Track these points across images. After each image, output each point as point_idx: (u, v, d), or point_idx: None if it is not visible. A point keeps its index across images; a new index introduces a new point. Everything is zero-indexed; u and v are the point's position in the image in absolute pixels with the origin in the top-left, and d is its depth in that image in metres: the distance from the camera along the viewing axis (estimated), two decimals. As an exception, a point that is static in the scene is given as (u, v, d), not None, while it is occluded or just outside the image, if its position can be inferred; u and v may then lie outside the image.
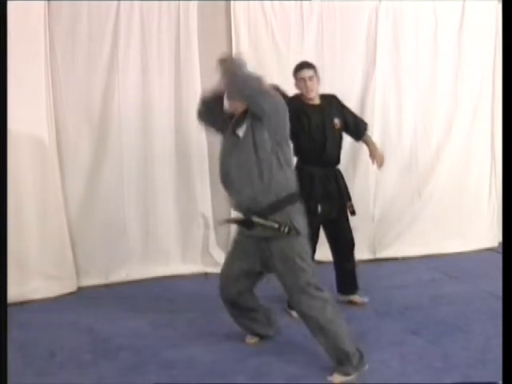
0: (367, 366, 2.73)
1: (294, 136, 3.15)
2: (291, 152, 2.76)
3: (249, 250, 2.80)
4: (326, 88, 4.68)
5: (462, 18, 4.97)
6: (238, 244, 2.91)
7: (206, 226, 4.52)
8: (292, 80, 4.60)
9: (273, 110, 2.62)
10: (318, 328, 2.71)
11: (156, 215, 4.40)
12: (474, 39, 5.00)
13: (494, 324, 3.25)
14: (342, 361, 2.69)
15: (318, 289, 2.69)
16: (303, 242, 2.72)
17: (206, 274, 4.49)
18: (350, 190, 3.71)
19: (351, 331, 2.75)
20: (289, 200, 2.68)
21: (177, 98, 4.36)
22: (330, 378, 2.70)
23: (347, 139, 4.68)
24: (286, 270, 2.71)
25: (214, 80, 4.38)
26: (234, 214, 4.58)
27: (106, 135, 4.19)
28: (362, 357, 2.73)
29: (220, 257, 4.58)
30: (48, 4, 3.88)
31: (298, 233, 2.66)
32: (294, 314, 3.28)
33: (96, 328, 3.41)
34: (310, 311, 2.70)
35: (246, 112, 2.73)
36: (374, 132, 4.82)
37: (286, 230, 2.63)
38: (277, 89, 2.87)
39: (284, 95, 2.87)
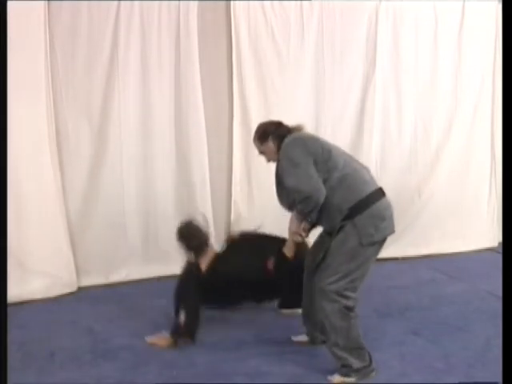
0: (374, 374, 2.71)
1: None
2: (343, 169, 2.66)
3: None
4: (325, 88, 4.72)
5: (462, 18, 4.97)
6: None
7: (206, 225, 4.52)
8: (291, 80, 4.63)
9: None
10: (323, 328, 2.72)
11: (156, 215, 4.40)
12: (474, 39, 5.01)
13: (494, 324, 3.25)
14: (342, 365, 2.69)
15: (340, 295, 2.61)
16: (361, 249, 2.60)
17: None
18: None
19: (361, 343, 2.70)
20: (353, 211, 2.59)
21: (177, 98, 4.36)
22: (329, 378, 2.70)
23: (346, 139, 4.71)
24: (325, 262, 2.68)
25: (214, 80, 4.45)
26: (234, 213, 4.63)
27: (106, 135, 4.19)
28: (370, 363, 2.71)
29: (220, 257, 4.58)
30: (48, 4, 3.87)
31: (358, 236, 2.59)
32: (285, 311, 3.43)
33: (96, 328, 3.41)
34: (320, 311, 2.70)
35: None
36: (374, 132, 4.85)
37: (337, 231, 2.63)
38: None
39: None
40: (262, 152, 2.93)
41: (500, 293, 2.56)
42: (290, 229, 2.95)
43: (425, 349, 3.04)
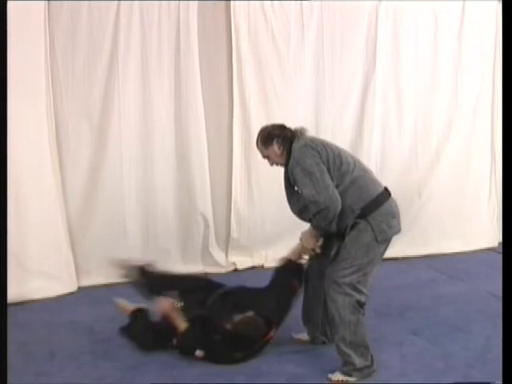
0: (375, 374, 2.72)
1: None
2: (354, 171, 2.70)
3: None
4: (325, 88, 4.72)
5: (462, 18, 4.97)
6: None
7: (206, 225, 4.53)
8: (291, 80, 4.64)
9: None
10: (332, 322, 2.73)
11: (156, 215, 4.40)
12: (474, 39, 5.01)
13: (493, 324, 3.26)
14: (345, 362, 2.70)
15: (353, 288, 2.65)
16: (375, 245, 2.66)
17: (205, 274, 4.48)
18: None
19: (366, 342, 2.72)
20: (366, 210, 2.65)
21: (177, 98, 4.36)
22: (330, 376, 2.71)
23: (346, 139, 4.71)
24: (340, 256, 2.69)
25: (214, 80, 4.45)
26: (234, 213, 4.63)
27: (106, 135, 4.19)
28: (372, 363, 2.72)
29: (220, 257, 4.59)
30: (48, 4, 3.87)
31: (373, 232, 2.63)
32: None
33: (96, 328, 3.41)
34: (330, 303, 2.70)
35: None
36: (374, 132, 4.85)
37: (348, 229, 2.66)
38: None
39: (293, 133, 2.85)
40: (266, 156, 2.91)
41: (500, 293, 2.55)
42: (304, 245, 2.92)
43: (424, 349, 3.04)
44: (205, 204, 4.49)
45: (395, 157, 4.96)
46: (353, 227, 2.66)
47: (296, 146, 2.74)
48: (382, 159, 4.91)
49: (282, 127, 2.88)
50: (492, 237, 5.22)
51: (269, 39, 4.52)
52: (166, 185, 4.41)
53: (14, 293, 3.52)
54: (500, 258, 2.41)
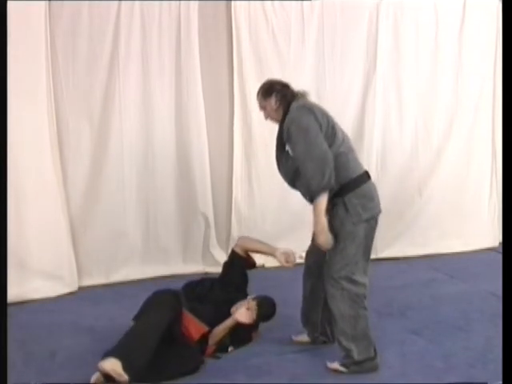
0: (377, 367, 2.73)
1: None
2: (340, 147, 2.71)
3: None
4: (326, 88, 4.72)
5: (463, 17, 4.97)
6: None
7: (207, 225, 4.53)
8: (292, 79, 4.62)
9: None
10: (333, 317, 2.74)
11: (156, 215, 4.40)
12: (474, 38, 5.00)
13: (494, 324, 3.26)
14: (345, 355, 2.72)
15: (350, 281, 2.65)
16: (354, 229, 2.64)
17: (206, 274, 4.48)
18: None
19: (368, 334, 2.73)
20: (345, 189, 2.64)
21: (177, 98, 4.36)
22: (329, 364, 2.76)
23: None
24: (330, 253, 2.68)
25: (215, 80, 4.45)
26: (235, 212, 4.63)
27: (106, 135, 4.19)
28: (375, 356, 2.74)
29: (220, 256, 4.58)
30: (48, 4, 3.87)
31: (351, 218, 2.62)
32: None
33: (96, 328, 3.41)
34: (329, 298, 2.71)
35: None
36: (374, 132, 4.85)
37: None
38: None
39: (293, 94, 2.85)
40: (262, 107, 2.93)
41: (500, 293, 2.55)
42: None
43: (425, 349, 3.04)
44: (205, 203, 4.49)
45: (396, 156, 4.95)
46: (333, 215, 2.62)
47: (294, 105, 2.75)
48: (383, 159, 4.90)
49: (286, 85, 2.90)
50: (492, 237, 5.22)
51: (269, 39, 4.52)
52: (166, 184, 4.41)
53: (14, 293, 3.52)
54: (500, 257, 2.41)
